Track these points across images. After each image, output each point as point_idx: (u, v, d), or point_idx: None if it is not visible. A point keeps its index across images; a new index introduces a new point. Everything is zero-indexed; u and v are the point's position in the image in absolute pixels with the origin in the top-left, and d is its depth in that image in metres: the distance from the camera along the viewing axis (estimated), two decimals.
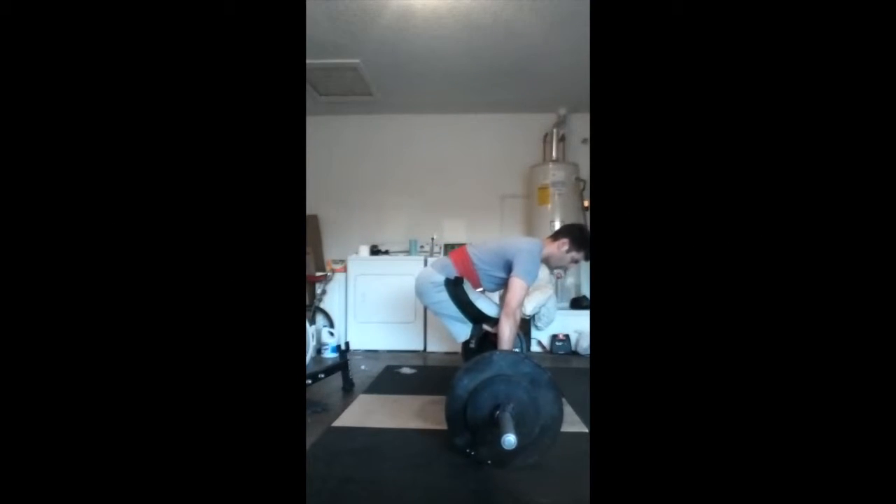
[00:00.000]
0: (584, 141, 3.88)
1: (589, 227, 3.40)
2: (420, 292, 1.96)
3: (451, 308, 1.89)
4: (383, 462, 1.44)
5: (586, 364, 2.89)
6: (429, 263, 2.02)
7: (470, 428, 1.40)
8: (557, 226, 3.51)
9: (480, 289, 1.96)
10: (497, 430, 1.31)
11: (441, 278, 1.88)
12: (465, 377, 1.41)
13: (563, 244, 1.90)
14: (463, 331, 1.94)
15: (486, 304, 1.91)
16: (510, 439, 1.19)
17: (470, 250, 1.96)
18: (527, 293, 1.80)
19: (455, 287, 1.87)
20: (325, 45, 2.84)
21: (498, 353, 1.46)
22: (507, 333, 1.69)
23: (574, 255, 1.90)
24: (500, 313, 1.92)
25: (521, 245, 1.86)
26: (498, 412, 1.33)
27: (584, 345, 3.23)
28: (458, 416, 1.41)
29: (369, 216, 4.12)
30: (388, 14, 2.54)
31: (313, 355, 3.12)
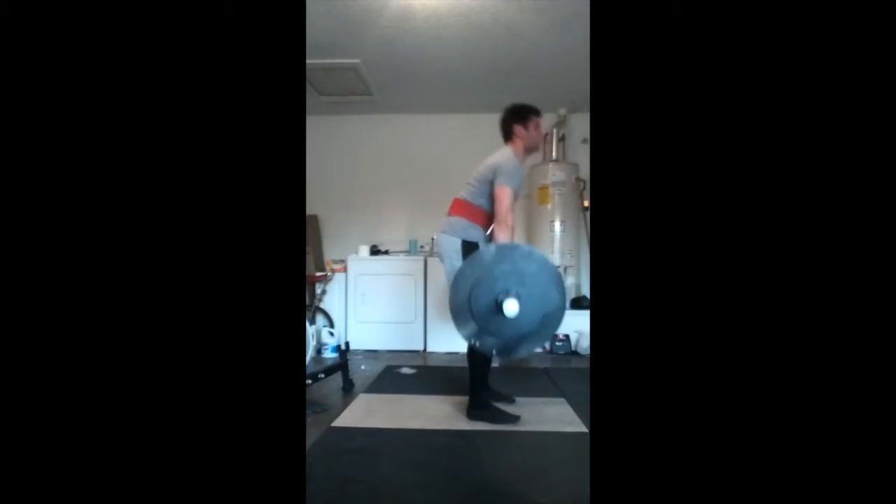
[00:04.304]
0: (584, 141, 3.88)
1: (589, 227, 3.38)
2: (443, 257, 1.98)
3: None
4: (383, 462, 1.45)
5: (586, 364, 2.89)
6: (440, 229, 1.99)
7: (475, 317, 1.41)
8: (558, 226, 3.53)
9: (491, 227, 1.97)
10: (501, 315, 1.34)
11: (458, 243, 1.90)
12: (468, 268, 1.44)
13: (520, 133, 1.93)
14: None
15: None
16: (512, 307, 1.23)
17: (461, 195, 1.97)
18: (514, 197, 1.82)
19: (471, 251, 1.89)
20: (325, 45, 2.84)
21: (506, 245, 1.48)
22: (502, 240, 1.71)
23: (531, 125, 1.93)
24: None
25: (493, 161, 1.87)
26: (502, 296, 1.36)
27: (584, 345, 3.24)
28: (463, 305, 1.43)
29: (369, 216, 4.12)
30: (388, 14, 2.54)
31: (313, 355, 3.12)
